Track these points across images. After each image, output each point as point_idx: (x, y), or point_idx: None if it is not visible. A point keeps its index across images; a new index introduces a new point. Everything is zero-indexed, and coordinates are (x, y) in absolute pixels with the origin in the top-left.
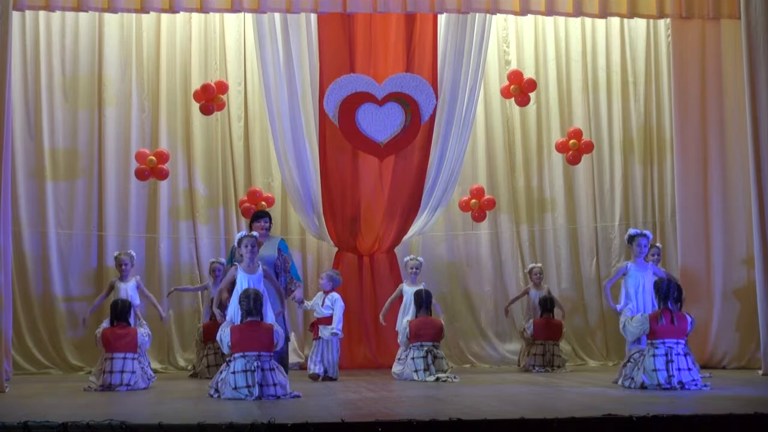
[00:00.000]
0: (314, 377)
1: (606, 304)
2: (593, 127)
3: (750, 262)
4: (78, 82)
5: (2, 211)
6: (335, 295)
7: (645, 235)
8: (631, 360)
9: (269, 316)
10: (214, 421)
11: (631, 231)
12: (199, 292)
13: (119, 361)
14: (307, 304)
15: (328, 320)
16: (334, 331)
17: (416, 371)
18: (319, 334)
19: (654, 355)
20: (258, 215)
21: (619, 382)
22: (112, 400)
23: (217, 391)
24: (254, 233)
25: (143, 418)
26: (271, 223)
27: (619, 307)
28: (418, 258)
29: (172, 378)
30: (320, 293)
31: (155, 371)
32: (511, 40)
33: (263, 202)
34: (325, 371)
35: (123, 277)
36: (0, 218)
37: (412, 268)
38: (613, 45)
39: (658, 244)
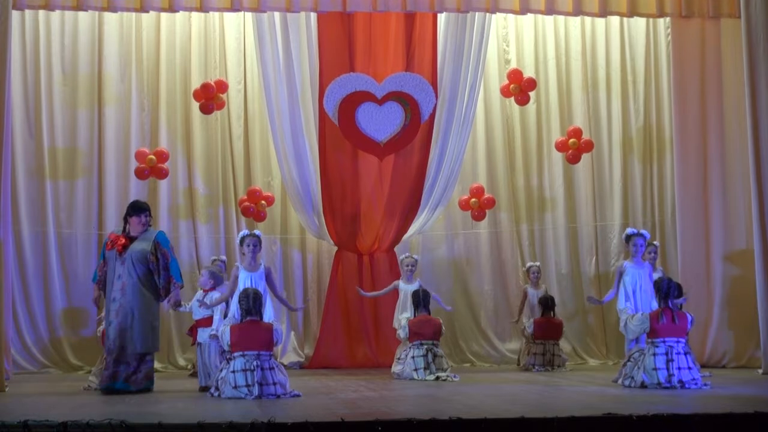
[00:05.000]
0: (206, 390)
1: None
2: (593, 126)
3: (750, 261)
4: (78, 81)
5: (2, 210)
6: (215, 294)
7: (641, 235)
8: (631, 359)
9: (268, 315)
10: (214, 420)
11: (628, 231)
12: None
13: None
14: (186, 306)
15: (207, 322)
16: (214, 332)
17: (416, 370)
18: (198, 339)
19: (654, 354)
20: (138, 209)
21: (619, 381)
22: (112, 399)
23: (217, 389)
24: (256, 232)
25: (143, 418)
26: (150, 217)
27: (620, 306)
28: (414, 256)
29: (172, 377)
30: (199, 292)
31: (155, 371)
32: (510, 39)
33: (263, 201)
34: (208, 376)
35: None
36: (0, 218)
37: (407, 266)
38: (613, 44)
39: (655, 243)
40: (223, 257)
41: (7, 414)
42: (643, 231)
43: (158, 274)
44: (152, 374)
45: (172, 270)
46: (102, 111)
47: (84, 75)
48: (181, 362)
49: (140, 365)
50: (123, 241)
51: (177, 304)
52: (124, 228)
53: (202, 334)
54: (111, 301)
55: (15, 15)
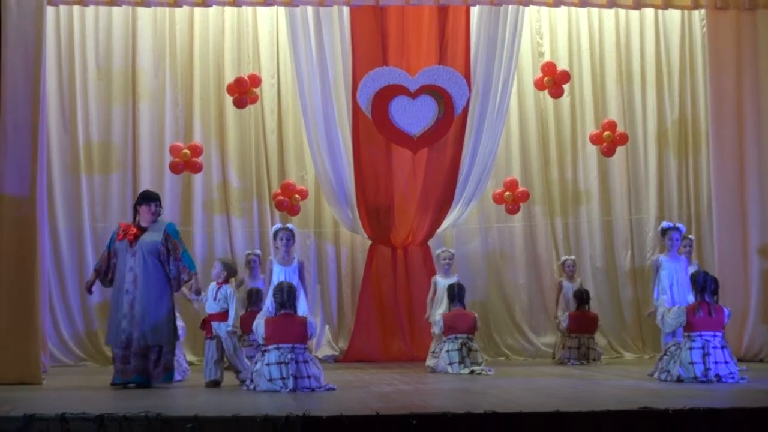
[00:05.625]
0: (214, 384)
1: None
2: (627, 119)
3: None
4: (112, 77)
5: (38, 205)
6: (228, 288)
7: (677, 229)
8: (668, 353)
9: (302, 308)
10: (249, 413)
11: (664, 224)
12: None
13: None
14: (203, 296)
15: (221, 316)
16: (230, 328)
17: (450, 364)
18: (214, 332)
19: (691, 348)
20: (148, 198)
21: (655, 375)
22: (148, 392)
23: (252, 382)
24: (289, 226)
25: (179, 411)
26: (160, 207)
27: (654, 297)
28: (450, 250)
29: None
30: (213, 284)
31: (190, 363)
32: (544, 32)
33: (297, 195)
34: (236, 370)
35: None
36: (36, 212)
37: (444, 260)
38: (648, 36)
39: (690, 236)
40: (258, 251)
41: (44, 407)
42: (679, 224)
43: (169, 264)
44: (172, 366)
45: (185, 260)
46: (136, 106)
47: (118, 70)
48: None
49: (159, 358)
50: (134, 230)
51: (198, 292)
52: (134, 218)
53: (218, 329)
54: (123, 293)
55: (49, 11)
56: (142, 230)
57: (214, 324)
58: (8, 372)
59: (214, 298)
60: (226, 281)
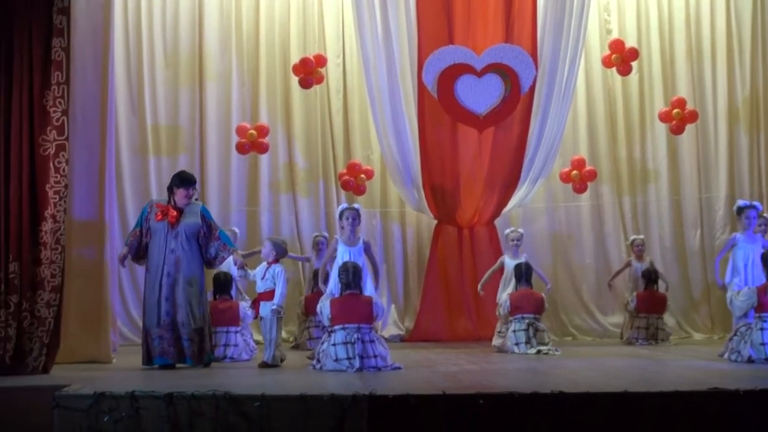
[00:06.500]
0: (263, 365)
1: (712, 278)
2: (697, 96)
3: None
4: (179, 59)
5: (107, 186)
6: (278, 267)
7: (754, 207)
8: (738, 333)
9: (368, 289)
10: (316, 392)
11: (740, 203)
12: (300, 264)
13: (222, 334)
14: (250, 273)
15: (269, 295)
16: (275, 307)
17: (517, 344)
18: (260, 313)
19: (762, 329)
20: (187, 181)
21: (725, 356)
22: (216, 371)
23: (318, 362)
24: (355, 206)
25: (246, 389)
26: (196, 190)
27: (726, 280)
28: (519, 230)
29: None
30: (263, 264)
31: (257, 343)
32: (612, 9)
33: (363, 175)
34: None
35: None
36: (105, 194)
37: (513, 240)
38: (718, 11)
39: (766, 215)
40: (325, 233)
41: (115, 385)
42: (755, 203)
43: (207, 245)
44: (210, 348)
45: (223, 238)
46: (203, 88)
47: (185, 53)
48: (283, 334)
49: (202, 339)
50: (175, 213)
51: (242, 266)
52: (170, 199)
53: (264, 308)
54: (164, 276)
55: None
56: (180, 212)
57: (261, 303)
58: (79, 351)
59: (263, 278)
60: (276, 261)
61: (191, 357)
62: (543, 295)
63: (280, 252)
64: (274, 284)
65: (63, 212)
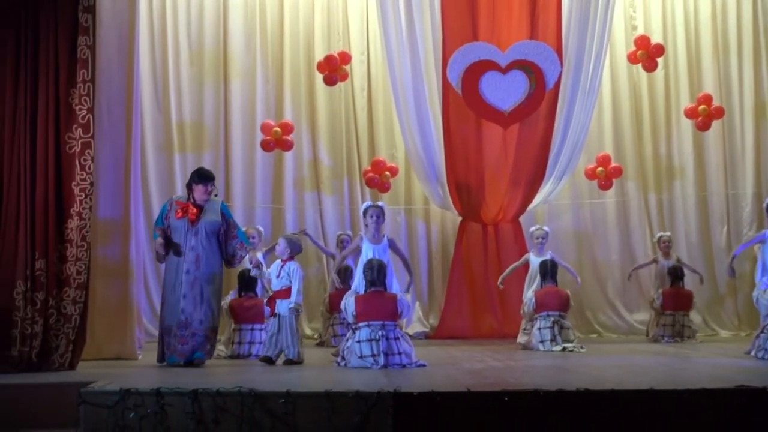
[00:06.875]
0: (266, 360)
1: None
2: (723, 92)
3: None
4: (204, 57)
5: (132, 183)
6: (293, 264)
7: None
8: (765, 330)
9: (393, 286)
10: (340, 389)
11: None
12: (325, 261)
13: (247, 332)
14: (265, 271)
15: (285, 293)
16: (293, 305)
17: (542, 342)
18: (276, 310)
19: None
20: (206, 178)
21: (752, 353)
22: (241, 368)
23: (343, 359)
24: (380, 203)
25: (271, 386)
26: (214, 187)
27: (756, 278)
28: (544, 228)
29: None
30: (277, 261)
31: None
32: (637, 5)
33: (387, 172)
34: (281, 353)
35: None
36: (131, 191)
37: (538, 238)
38: (744, 6)
39: None
40: (349, 232)
41: (140, 381)
42: None
43: (226, 243)
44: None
45: (240, 236)
46: (228, 85)
47: (210, 50)
48: (308, 331)
49: (215, 337)
50: (195, 210)
51: (257, 265)
52: (189, 196)
53: (281, 306)
54: (183, 273)
55: None
56: (200, 209)
57: (277, 301)
58: (105, 347)
59: (278, 276)
60: (291, 258)
61: (205, 352)
62: (568, 292)
63: (295, 249)
64: (290, 282)
65: (89, 209)
